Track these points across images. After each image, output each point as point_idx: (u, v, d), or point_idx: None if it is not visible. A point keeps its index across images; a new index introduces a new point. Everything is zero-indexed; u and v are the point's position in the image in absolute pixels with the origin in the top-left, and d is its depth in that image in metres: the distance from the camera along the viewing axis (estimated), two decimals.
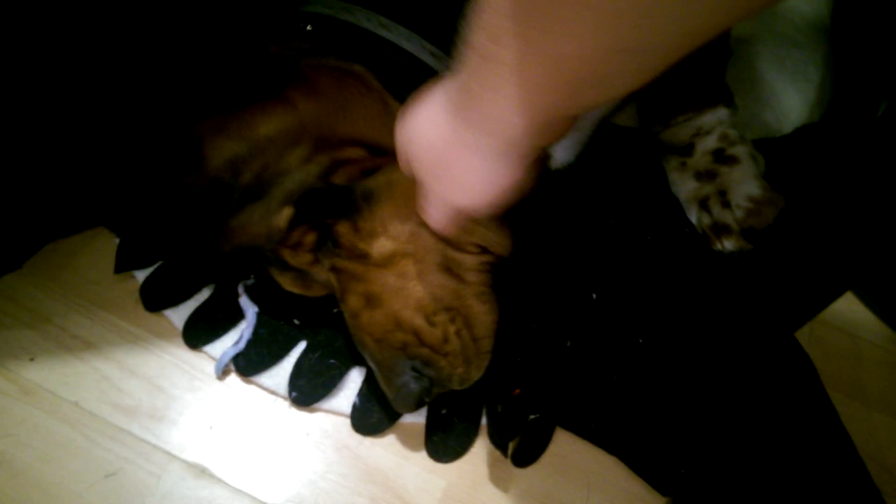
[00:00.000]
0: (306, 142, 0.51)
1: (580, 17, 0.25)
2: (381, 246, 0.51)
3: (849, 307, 0.68)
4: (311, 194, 0.51)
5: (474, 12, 0.31)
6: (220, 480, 0.56)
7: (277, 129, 0.51)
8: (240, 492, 0.55)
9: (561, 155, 0.68)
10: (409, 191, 0.48)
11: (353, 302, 0.53)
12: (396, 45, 0.53)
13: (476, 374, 0.53)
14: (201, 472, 0.56)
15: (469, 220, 0.51)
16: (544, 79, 0.30)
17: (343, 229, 0.52)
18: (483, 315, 0.53)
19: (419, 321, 0.51)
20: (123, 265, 0.65)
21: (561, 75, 0.29)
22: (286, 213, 0.51)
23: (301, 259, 0.54)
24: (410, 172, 0.45)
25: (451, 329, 0.51)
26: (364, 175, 0.52)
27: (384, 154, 0.52)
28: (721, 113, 0.64)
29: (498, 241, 0.54)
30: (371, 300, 0.52)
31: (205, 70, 0.60)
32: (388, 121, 0.51)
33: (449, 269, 0.52)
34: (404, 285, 0.51)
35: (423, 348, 0.50)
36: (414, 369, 0.50)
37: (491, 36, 0.30)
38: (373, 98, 0.53)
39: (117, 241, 0.66)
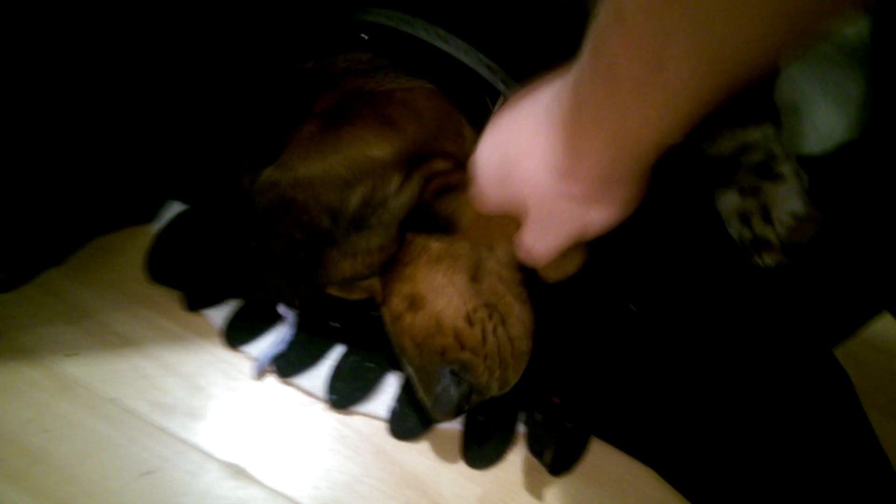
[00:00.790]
0: (405, 164, 0.50)
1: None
2: (435, 250, 0.51)
3: (884, 325, 0.68)
4: (411, 217, 0.50)
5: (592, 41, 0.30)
6: (256, 481, 0.56)
7: (389, 152, 0.49)
8: (276, 493, 0.55)
9: None
10: (481, 220, 0.48)
11: (396, 304, 0.53)
12: (455, 58, 0.54)
13: (514, 377, 0.53)
14: (238, 472, 0.56)
15: None
16: (690, 84, 0.28)
17: (415, 241, 0.52)
18: (520, 314, 0.53)
19: (460, 322, 0.50)
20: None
21: (712, 76, 0.28)
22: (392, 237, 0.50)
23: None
24: (495, 204, 0.44)
25: (489, 327, 0.51)
26: (445, 189, 0.52)
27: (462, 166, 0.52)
28: (767, 129, 0.64)
29: None
30: (415, 302, 0.52)
31: (269, 81, 0.60)
32: (463, 141, 0.51)
33: (489, 266, 0.53)
34: (450, 283, 0.51)
35: (462, 352, 0.50)
36: (453, 374, 0.50)
37: (628, 53, 0.28)
38: (455, 119, 0.53)
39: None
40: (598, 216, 0.41)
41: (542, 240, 0.46)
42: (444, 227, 0.51)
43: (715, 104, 0.30)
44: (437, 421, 0.54)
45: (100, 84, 0.59)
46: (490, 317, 0.50)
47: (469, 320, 0.50)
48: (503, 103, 0.50)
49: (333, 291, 0.58)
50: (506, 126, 0.44)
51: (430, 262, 0.51)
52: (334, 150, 0.49)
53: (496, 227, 0.51)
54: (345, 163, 0.48)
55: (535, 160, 0.40)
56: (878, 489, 0.57)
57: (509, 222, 0.49)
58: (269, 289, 0.61)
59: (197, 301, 0.63)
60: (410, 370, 0.52)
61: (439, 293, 0.51)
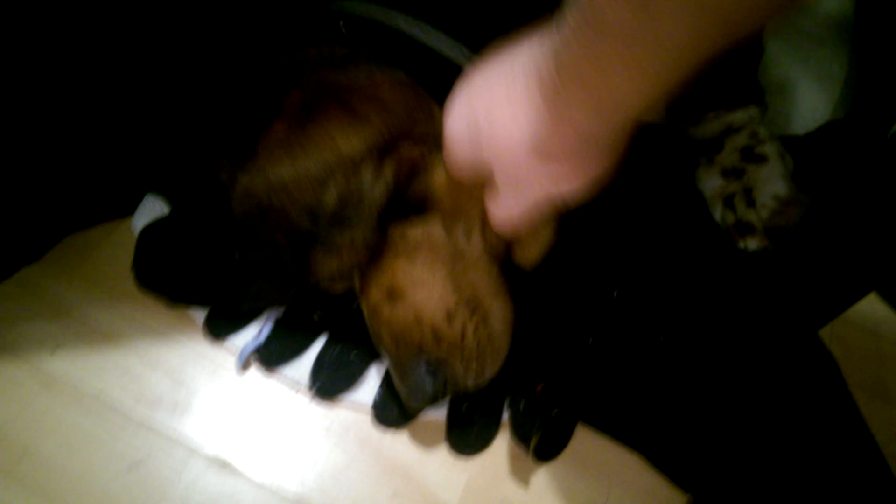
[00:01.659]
0: (381, 156, 0.50)
1: None
2: (412, 238, 0.51)
3: (870, 306, 0.68)
4: (390, 207, 0.50)
5: None
6: (241, 474, 0.56)
7: (357, 146, 0.49)
8: (262, 486, 0.55)
9: None
10: (454, 188, 0.47)
11: (374, 295, 0.52)
12: (437, 51, 0.53)
13: (489, 373, 0.53)
14: (223, 465, 0.56)
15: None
16: (682, 36, 0.27)
17: (394, 231, 0.51)
18: (500, 311, 0.52)
19: (439, 318, 0.50)
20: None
21: (708, 25, 0.26)
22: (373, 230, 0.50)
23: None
24: (465, 167, 0.43)
25: (470, 326, 0.50)
26: (416, 172, 0.52)
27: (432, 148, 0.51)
28: (752, 111, 0.63)
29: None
30: (393, 293, 0.51)
31: (242, 76, 0.59)
32: (436, 124, 0.51)
33: (469, 255, 0.52)
34: (430, 275, 0.51)
35: (439, 348, 0.50)
36: (428, 365, 0.50)
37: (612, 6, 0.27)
38: (425, 107, 0.53)
39: (136, 234, 0.66)
40: (569, 185, 0.40)
41: (511, 206, 0.45)
42: (419, 208, 0.51)
43: (701, 67, 0.29)
44: (412, 410, 0.54)
45: (75, 79, 0.58)
46: (472, 314, 0.50)
47: (449, 316, 0.50)
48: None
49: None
50: (478, 85, 0.42)
51: (408, 252, 0.51)
52: (303, 151, 0.49)
53: (470, 200, 0.51)
54: (315, 162, 0.48)
55: (508, 123, 0.39)
56: (865, 471, 0.57)
57: (482, 194, 0.49)
58: (258, 297, 0.61)
59: (181, 297, 0.62)
60: (387, 360, 0.52)
61: (418, 286, 0.50)
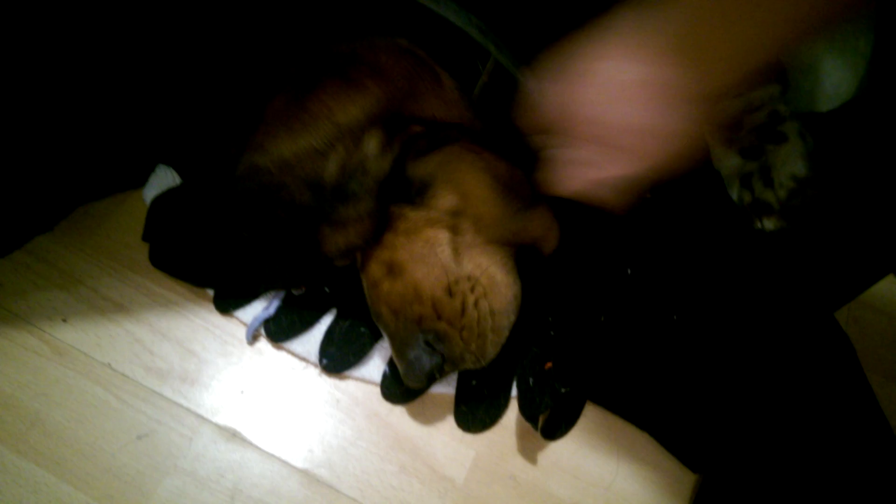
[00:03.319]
0: (380, 126, 0.49)
1: None
2: (413, 216, 0.51)
3: (887, 288, 0.67)
4: (392, 183, 0.49)
5: None
6: (250, 444, 0.56)
7: (355, 115, 0.48)
8: (270, 455, 0.56)
9: None
10: (462, 168, 0.47)
11: (374, 270, 0.52)
12: (443, 18, 0.52)
13: (491, 352, 0.52)
14: (232, 435, 0.56)
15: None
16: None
17: (398, 211, 0.51)
18: (504, 287, 0.51)
19: (439, 292, 0.50)
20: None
21: None
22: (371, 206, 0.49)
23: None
24: (544, 120, 0.42)
25: (470, 299, 0.50)
26: (421, 152, 0.51)
27: (441, 128, 0.51)
28: (772, 89, 0.62)
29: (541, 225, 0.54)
30: (393, 269, 0.51)
31: (249, 50, 0.58)
32: (443, 94, 0.50)
33: (473, 232, 0.52)
34: (431, 253, 0.50)
35: (439, 323, 0.50)
36: (427, 343, 0.49)
37: None
38: (427, 72, 0.52)
39: (147, 203, 0.66)
40: (654, 158, 0.39)
41: (593, 172, 0.42)
42: (422, 188, 0.50)
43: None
44: (411, 388, 0.54)
45: (88, 51, 0.58)
46: (472, 289, 0.50)
47: (449, 291, 0.49)
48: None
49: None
50: (584, 48, 0.40)
51: (408, 230, 0.51)
52: (302, 124, 0.48)
53: (474, 186, 0.50)
54: (314, 134, 0.48)
55: (622, 88, 0.38)
56: (877, 452, 0.56)
57: (483, 180, 0.48)
58: (273, 280, 0.61)
59: (193, 277, 0.63)
60: (386, 336, 0.52)
61: (419, 261, 0.50)
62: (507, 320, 0.51)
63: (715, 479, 0.56)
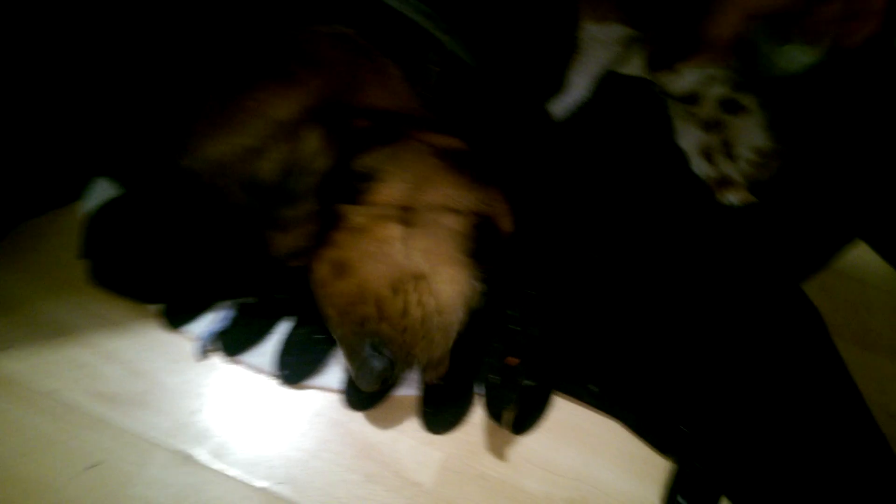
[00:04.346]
0: (320, 121, 0.47)
1: None
2: (363, 213, 0.48)
3: (857, 253, 0.65)
4: (336, 181, 0.48)
5: None
6: (206, 467, 0.54)
7: (292, 110, 0.46)
8: (228, 477, 0.53)
9: (564, 103, 0.64)
10: (410, 157, 0.46)
11: (321, 270, 0.50)
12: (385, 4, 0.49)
13: (440, 350, 0.49)
14: (186, 458, 0.54)
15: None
16: None
17: (346, 209, 0.49)
18: (451, 283, 0.49)
19: (384, 290, 0.48)
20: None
21: None
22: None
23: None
24: None
25: (413, 298, 0.48)
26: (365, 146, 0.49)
27: (389, 120, 0.48)
28: (731, 61, 0.59)
29: (495, 204, 0.51)
30: (341, 269, 0.49)
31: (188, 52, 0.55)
32: (389, 84, 0.47)
33: (422, 228, 0.50)
34: (380, 250, 0.48)
35: (381, 324, 0.47)
36: (372, 346, 0.47)
37: None
38: (370, 62, 0.49)
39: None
40: None
41: None
42: (369, 184, 0.48)
43: None
44: (365, 391, 0.52)
45: (15, 63, 0.54)
46: (416, 287, 0.47)
47: (393, 288, 0.47)
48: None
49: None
50: None
51: (357, 227, 0.48)
52: (237, 123, 0.46)
53: (425, 181, 0.48)
54: (249, 132, 0.45)
55: None
56: (848, 420, 0.55)
57: (432, 164, 0.46)
58: (225, 289, 0.58)
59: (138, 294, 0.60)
60: (336, 339, 0.50)
61: (368, 259, 0.48)
62: (454, 317, 0.49)
63: (688, 461, 0.55)
